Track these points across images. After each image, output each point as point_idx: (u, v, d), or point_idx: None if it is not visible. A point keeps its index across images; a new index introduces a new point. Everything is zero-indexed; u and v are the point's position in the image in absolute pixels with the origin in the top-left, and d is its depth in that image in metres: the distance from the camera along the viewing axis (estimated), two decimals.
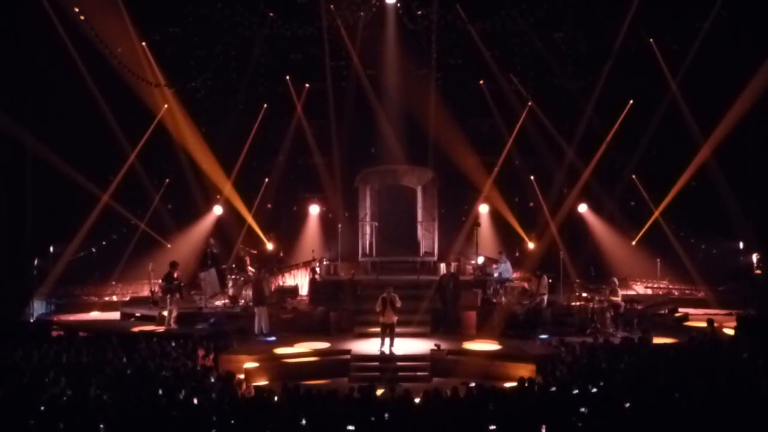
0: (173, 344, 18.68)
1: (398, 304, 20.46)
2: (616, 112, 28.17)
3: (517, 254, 28.53)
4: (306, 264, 27.16)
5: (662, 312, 25.16)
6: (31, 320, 24.08)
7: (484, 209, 28.91)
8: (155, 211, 28.45)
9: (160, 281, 23.79)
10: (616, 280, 23.67)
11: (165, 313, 23.05)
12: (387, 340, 20.19)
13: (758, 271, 25.83)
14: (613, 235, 28.96)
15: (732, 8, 25.10)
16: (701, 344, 18.60)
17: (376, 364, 19.82)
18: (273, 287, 25.21)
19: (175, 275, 23.42)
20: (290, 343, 21.09)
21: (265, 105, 29.25)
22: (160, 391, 14.12)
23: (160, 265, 24.99)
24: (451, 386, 14.66)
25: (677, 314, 25.27)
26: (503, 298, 24.10)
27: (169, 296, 23.11)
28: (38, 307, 25.06)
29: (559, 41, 27.09)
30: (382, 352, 20.14)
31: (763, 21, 24.20)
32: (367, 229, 27.63)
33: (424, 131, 28.32)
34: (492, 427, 12.03)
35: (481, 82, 28.78)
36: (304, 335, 21.90)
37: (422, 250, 27.43)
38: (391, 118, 28.64)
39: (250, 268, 25.77)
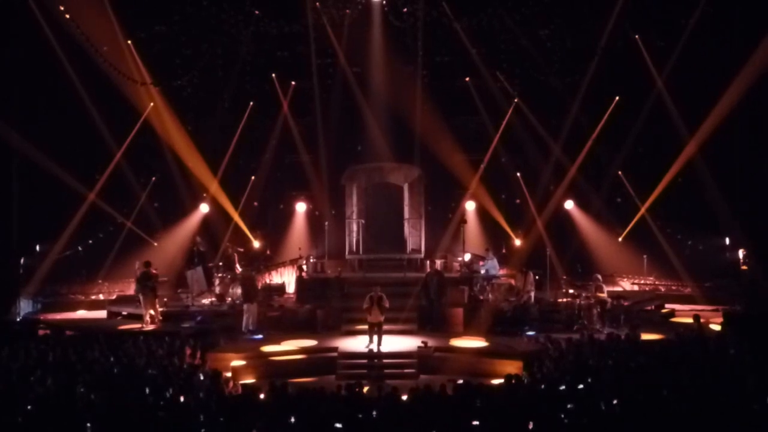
0: (162, 342, 18.61)
1: (386, 304, 20.51)
2: (602, 108, 28.17)
3: (504, 251, 28.52)
4: (293, 262, 27.12)
5: (649, 308, 25.15)
6: (18, 319, 24.01)
7: (470, 206, 28.90)
8: (142, 210, 28.32)
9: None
10: (599, 276, 23.65)
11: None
12: (375, 338, 20.25)
13: (744, 267, 25.97)
14: (599, 231, 29.01)
15: (717, 4, 25.13)
16: (688, 340, 18.62)
17: (364, 361, 19.86)
18: (259, 285, 25.20)
19: (152, 273, 23.04)
20: (277, 341, 21.11)
21: (252, 103, 29.11)
22: (147, 390, 14.09)
23: None
24: (438, 383, 14.67)
25: (664, 310, 25.25)
26: (490, 295, 24.14)
27: (142, 296, 22.77)
28: (25, 306, 25.02)
29: (545, 38, 26.97)
30: (370, 350, 20.19)
31: (749, 17, 24.28)
32: (354, 227, 27.60)
33: (411, 128, 28.29)
34: (479, 424, 12.04)
35: (468, 79, 28.72)
36: (291, 333, 21.94)
37: (409, 247, 27.46)
38: (378, 115, 28.58)
39: (237, 266, 25.71)
